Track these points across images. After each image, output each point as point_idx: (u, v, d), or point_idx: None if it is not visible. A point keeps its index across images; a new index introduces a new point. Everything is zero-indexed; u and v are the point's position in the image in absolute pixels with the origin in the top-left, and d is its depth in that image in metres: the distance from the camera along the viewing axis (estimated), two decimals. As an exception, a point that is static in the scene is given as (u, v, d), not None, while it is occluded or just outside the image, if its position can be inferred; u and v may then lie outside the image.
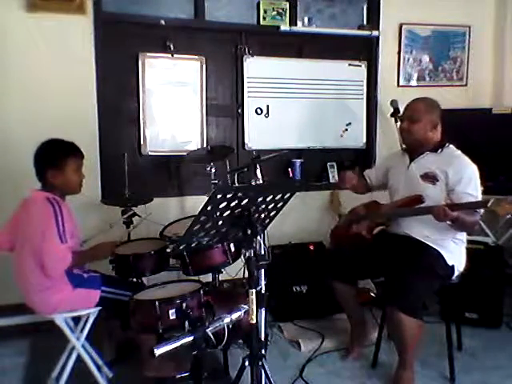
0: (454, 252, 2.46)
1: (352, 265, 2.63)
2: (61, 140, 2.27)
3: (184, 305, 2.04)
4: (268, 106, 3.64)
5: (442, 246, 2.44)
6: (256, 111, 3.63)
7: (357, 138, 3.90)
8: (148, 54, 3.34)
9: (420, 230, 2.48)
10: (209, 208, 1.63)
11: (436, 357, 2.66)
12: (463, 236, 2.51)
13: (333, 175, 3.84)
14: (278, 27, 3.54)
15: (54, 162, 2.21)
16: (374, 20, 3.81)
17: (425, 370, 2.57)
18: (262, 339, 2.04)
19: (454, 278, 2.47)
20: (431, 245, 2.44)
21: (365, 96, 3.88)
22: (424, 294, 2.40)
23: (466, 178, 2.39)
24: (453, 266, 2.43)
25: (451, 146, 2.52)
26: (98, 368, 2.39)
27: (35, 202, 2.18)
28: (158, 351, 1.59)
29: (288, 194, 1.86)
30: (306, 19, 3.66)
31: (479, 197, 2.38)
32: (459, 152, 2.49)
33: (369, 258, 2.60)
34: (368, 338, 2.82)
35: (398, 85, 3.91)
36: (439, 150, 2.50)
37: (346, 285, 2.66)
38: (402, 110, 3.48)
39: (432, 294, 2.49)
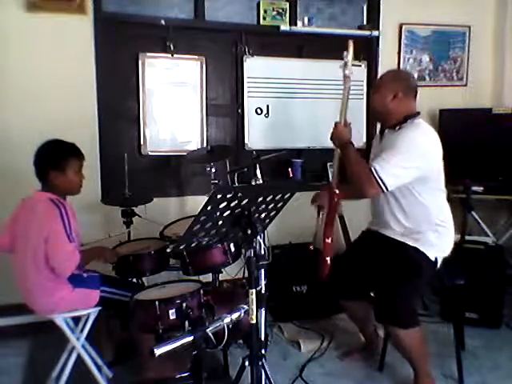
0: (435, 243, 2.29)
1: (352, 280, 2.53)
2: (62, 141, 2.28)
3: (184, 305, 2.04)
4: (268, 106, 3.64)
5: (421, 241, 2.28)
6: (256, 111, 3.63)
7: (357, 137, 3.86)
8: (148, 54, 3.34)
9: (396, 226, 2.34)
10: (209, 208, 1.63)
11: (436, 357, 2.66)
12: (444, 222, 2.32)
13: (333, 175, 3.83)
14: (278, 27, 3.55)
15: (55, 163, 2.22)
16: (374, 20, 3.82)
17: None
18: (262, 339, 2.04)
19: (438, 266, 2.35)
20: (410, 243, 2.29)
21: (365, 96, 3.88)
22: (413, 301, 2.32)
23: (395, 143, 2.18)
24: (436, 258, 2.30)
25: (416, 121, 2.26)
26: (98, 368, 2.39)
27: (39, 203, 2.18)
28: (157, 351, 1.59)
29: (288, 194, 1.86)
30: (305, 19, 3.66)
31: (392, 161, 2.13)
32: (419, 124, 2.24)
33: (364, 269, 2.48)
34: (376, 351, 2.72)
35: (398, 85, 3.91)
36: (397, 128, 2.27)
37: (353, 302, 2.60)
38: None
39: (421, 294, 2.43)
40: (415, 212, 2.29)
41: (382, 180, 2.12)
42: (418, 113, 2.32)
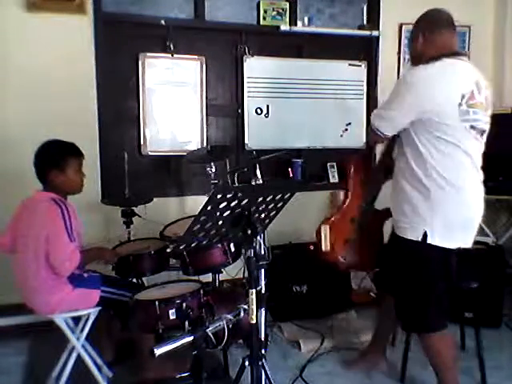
0: (424, 211, 2.02)
1: (385, 276, 2.44)
2: (61, 141, 2.29)
3: (184, 305, 2.05)
4: (268, 106, 3.64)
5: (408, 226, 2.07)
6: (256, 111, 3.63)
7: (357, 138, 3.90)
8: (148, 54, 3.34)
9: (401, 178, 2.12)
10: (209, 208, 1.63)
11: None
12: (447, 180, 1.99)
13: (333, 175, 3.84)
14: (278, 27, 3.55)
15: (55, 163, 2.22)
16: (374, 20, 3.82)
17: (425, 370, 2.57)
18: (262, 339, 2.03)
19: (439, 244, 2.01)
20: (401, 235, 2.12)
21: (365, 96, 3.88)
22: (423, 303, 2.12)
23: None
24: (425, 234, 2.01)
25: (438, 60, 1.99)
26: (98, 368, 2.39)
27: (40, 203, 2.18)
28: (157, 351, 1.59)
29: (288, 194, 1.86)
30: (306, 19, 3.66)
31: (388, 106, 2.05)
32: (435, 62, 1.99)
33: (387, 266, 2.37)
34: (381, 360, 2.61)
35: (398, 85, 3.91)
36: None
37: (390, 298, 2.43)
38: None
39: (434, 294, 2.12)
40: (415, 162, 2.03)
41: (376, 127, 2.09)
42: (452, 53, 2.05)
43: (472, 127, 2.01)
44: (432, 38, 2.08)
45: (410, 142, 2.04)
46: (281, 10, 3.58)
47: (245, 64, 3.55)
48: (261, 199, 1.77)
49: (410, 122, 2.01)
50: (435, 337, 2.14)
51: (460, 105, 1.96)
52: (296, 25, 3.63)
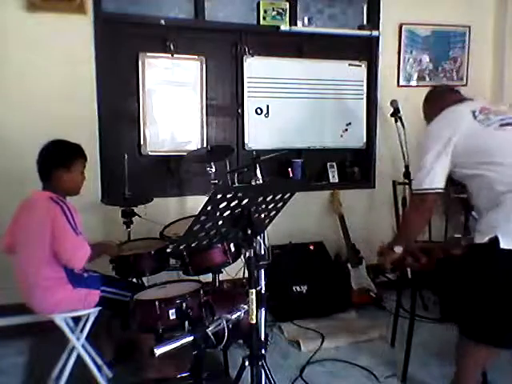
0: (494, 216, 1.89)
1: None
2: (68, 141, 2.31)
3: (184, 305, 2.05)
4: (268, 106, 3.64)
5: (482, 227, 1.94)
6: (256, 111, 3.63)
7: (357, 138, 3.90)
8: (148, 54, 3.34)
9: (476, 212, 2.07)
10: (209, 208, 1.63)
11: (436, 357, 2.66)
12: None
13: (333, 175, 3.85)
14: (278, 27, 3.54)
15: (63, 162, 2.24)
16: (374, 20, 3.81)
17: (425, 370, 2.57)
18: (262, 339, 2.04)
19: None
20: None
21: (365, 96, 3.88)
22: (500, 316, 1.90)
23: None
24: (496, 238, 1.84)
25: (439, 115, 2.12)
26: (98, 368, 2.39)
27: (38, 202, 2.19)
28: (158, 351, 1.59)
29: (288, 194, 1.86)
30: (305, 19, 3.66)
31: (422, 166, 2.04)
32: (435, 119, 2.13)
33: None
34: None
35: (398, 85, 3.91)
36: None
37: None
38: (401, 110, 3.51)
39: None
40: (474, 186, 2.00)
41: (425, 188, 2.02)
42: (457, 101, 2.15)
43: (502, 125, 1.98)
44: (437, 103, 2.22)
45: (462, 176, 2.03)
46: (281, 10, 3.58)
47: (245, 64, 3.55)
48: (261, 199, 1.77)
49: (450, 163, 2.00)
50: (488, 350, 1.98)
51: (475, 117, 2.02)
52: (296, 25, 3.63)
